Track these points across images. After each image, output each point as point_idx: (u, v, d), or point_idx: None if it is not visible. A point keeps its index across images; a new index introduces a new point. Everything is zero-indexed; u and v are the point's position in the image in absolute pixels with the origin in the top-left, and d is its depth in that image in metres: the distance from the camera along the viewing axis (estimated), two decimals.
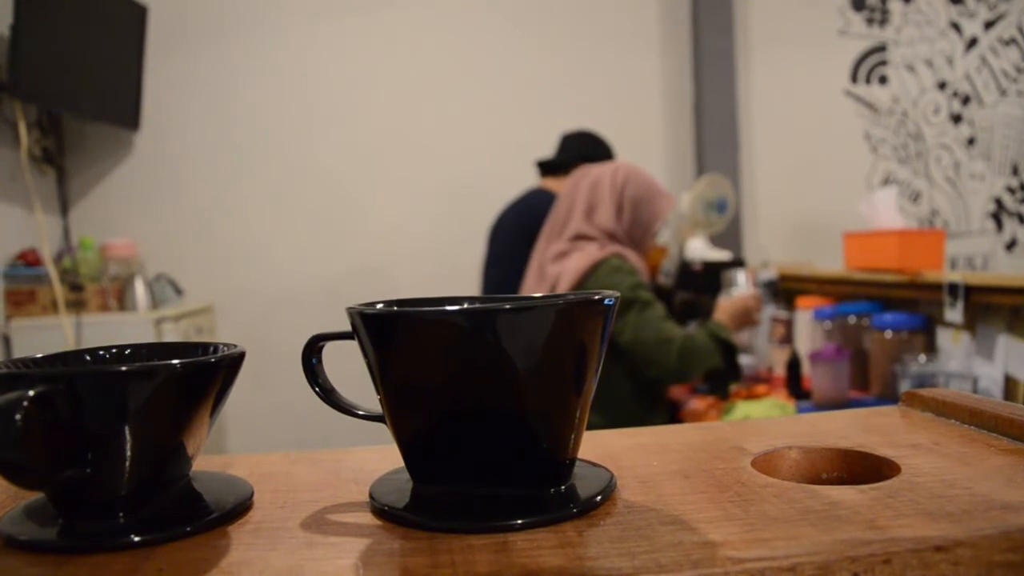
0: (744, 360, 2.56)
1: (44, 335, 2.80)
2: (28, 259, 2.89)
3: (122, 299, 2.98)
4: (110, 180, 3.29)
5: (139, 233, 3.23)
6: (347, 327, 0.44)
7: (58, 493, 0.41)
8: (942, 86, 3.56)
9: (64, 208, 3.22)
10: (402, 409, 0.43)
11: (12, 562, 0.38)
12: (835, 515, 0.40)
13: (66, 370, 0.40)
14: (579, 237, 2.08)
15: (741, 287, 2.41)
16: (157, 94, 3.26)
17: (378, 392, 0.43)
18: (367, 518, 0.42)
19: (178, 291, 3.10)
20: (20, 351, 2.80)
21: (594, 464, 0.48)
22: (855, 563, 0.36)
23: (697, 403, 2.29)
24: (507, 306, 0.39)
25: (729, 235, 3.42)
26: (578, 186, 2.14)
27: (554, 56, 3.51)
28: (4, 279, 2.85)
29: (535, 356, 0.40)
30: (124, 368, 0.38)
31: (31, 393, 0.35)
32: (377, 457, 0.54)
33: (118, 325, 2.86)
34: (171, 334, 2.83)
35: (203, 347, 0.47)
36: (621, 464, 0.49)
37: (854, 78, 3.61)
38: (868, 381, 2.28)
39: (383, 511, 0.41)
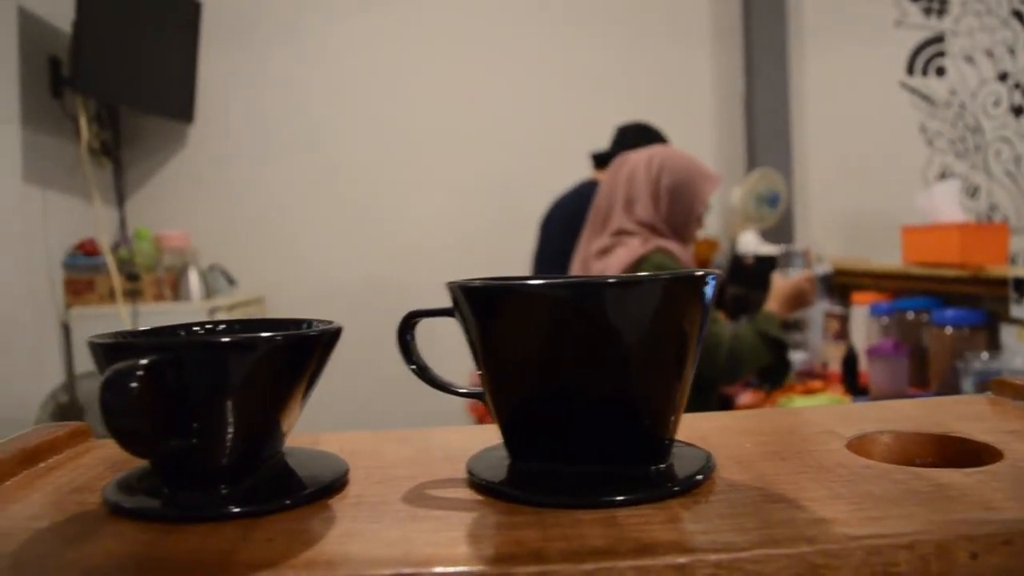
0: (798, 356, 2.53)
1: (102, 323, 2.85)
2: (87, 249, 2.95)
3: (176, 289, 3.02)
4: (165, 172, 3.35)
5: (192, 224, 3.28)
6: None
7: (163, 463, 0.41)
8: (1003, 77, 3.48)
9: (120, 199, 3.27)
10: (504, 385, 0.42)
11: (122, 528, 0.38)
12: (945, 496, 0.39)
13: (175, 340, 0.41)
14: (621, 232, 2.04)
15: (797, 269, 2.36)
16: (211, 88, 3.30)
17: (479, 368, 0.43)
18: (467, 493, 0.42)
19: (231, 281, 3.14)
20: (79, 339, 2.86)
21: (689, 444, 0.47)
22: (973, 542, 0.34)
23: (750, 398, 2.26)
24: (613, 280, 0.39)
25: (781, 229, 3.38)
26: (616, 178, 2.09)
27: (603, 49, 3.49)
28: (64, 268, 2.91)
29: (640, 332, 0.39)
30: (229, 339, 0.39)
31: (143, 362, 0.36)
32: (462, 436, 0.54)
33: (173, 314, 2.90)
34: None
35: (297, 323, 0.47)
36: (713, 445, 0.49)
37: (910, 70, 3.55)
38: (927, 377, 2.23)
39: (485, 486, 0.41)
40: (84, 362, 2.82)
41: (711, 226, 3.35)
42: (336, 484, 0.42)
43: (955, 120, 3.52)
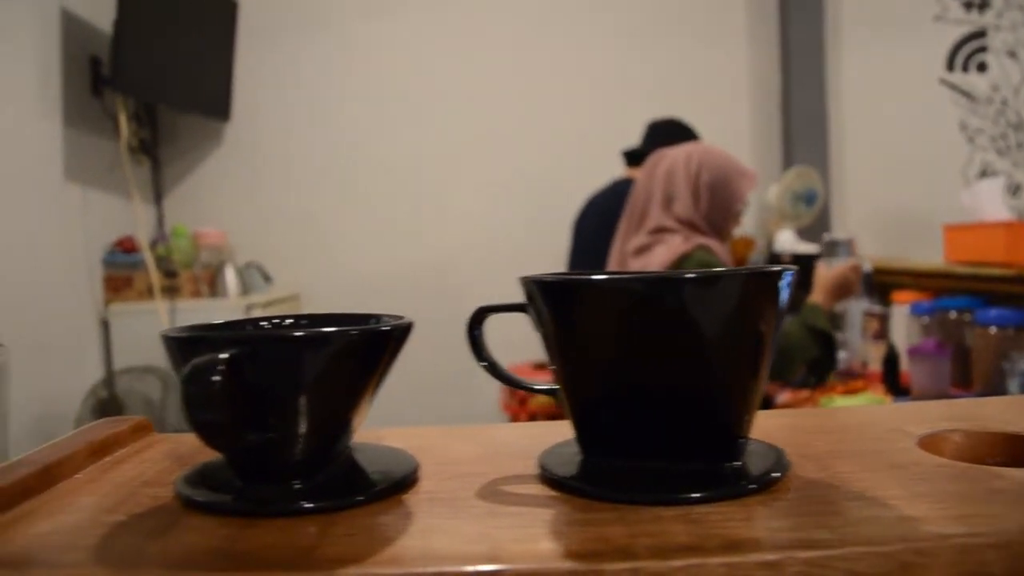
0: (838, 355, 2.50)
1: (140, 319, 2.88)
2: (125, 246, 2.99)
3: (213, 285, 3.05)
4: (202, 170, 3.38)
5: (228, 221, 3.30)
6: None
7: (238, 457, 0.41)
8: None
9: (158, 197, 3.31)
10: (580, 380, 0.42)
11: (198, 523, 0.38)
12: None
13: (254, 334, 0.41)
14: (660, 230, 2.03)
15: (842, 258, 2.34)
16: (247, 86, 3.33)
17: (553, 363, 0.43)
18: (541, 489, 0.41)
19: (267, 278, 3.16)
20: (118, 335, 2.90)
21: (761, 442, 0.47)
22: None
23: (789, 396, 2.24)
24: (694, 275, 0.38)
25: (817, 228, 3.34)
26: (653, 175, 2.08)
27: (637, 47, 3.48)
28: (103, 265, 2.95)
29: (719, 327, 0.39)
30: (307, 333, 0.39)
31: (224, 356, 0.36)
32: (526, 432, 0.54)
33: (210, 311, 2.93)
34: None
35: (364, 317, 0.47)
36: (782, 443, 0.48)
37: (950, 66, 3.50)
38: (970, 378, 2.20)
39: (560, 482, 0.41)
40: (123, 358, 2.86)
41: (747, 224, 3.32)
42: (408, 480, 0.42)
43: (996, 117, 3.47)
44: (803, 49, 3.45)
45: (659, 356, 0.40)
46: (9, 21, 2.48)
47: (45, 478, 0.46)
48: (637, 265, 2.01)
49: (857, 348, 2.61)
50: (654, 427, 0.41)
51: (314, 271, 3.39)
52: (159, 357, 2.82)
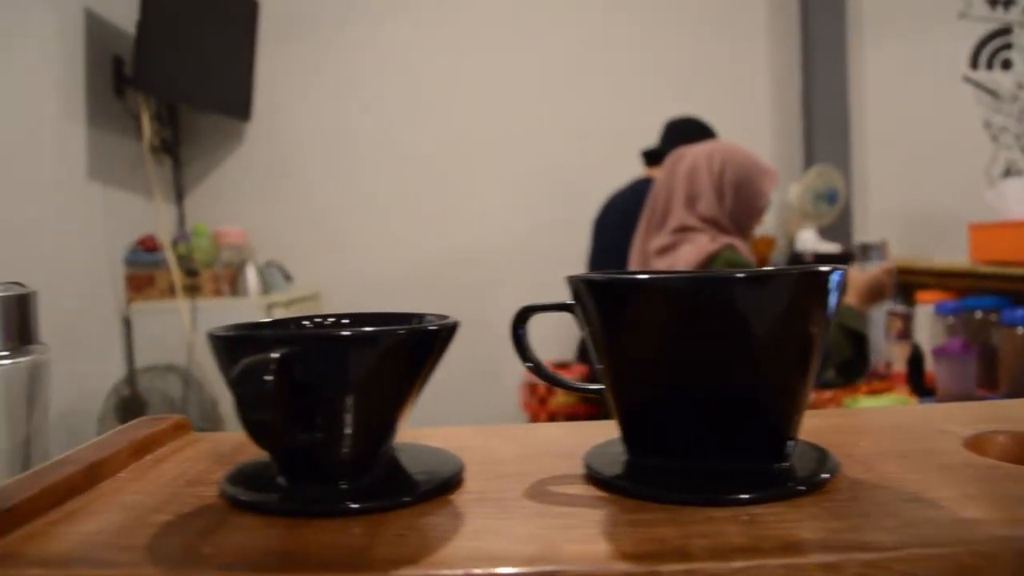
0: None
1: (162, 318, 2.90)
2: (147, 245, 3.00)
3: (234, 284, 3.06)
4: (222, 169, 3.39)
5: (249, 221, 3.32)
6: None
7: (285, 457, 0.41)
8: None
9: (179, 196, 3.33)
10: (628, 380, 0.42)
11: (246, 522, 0.38)
12: None
13: (304, 333, 0.41)
14: (684, 229, 2.02)
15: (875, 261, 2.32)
16: (267, 86, 3.34)
17: (600, 362, 0.42)
18: (588, 489, 0.41)
19: (288, 278, 3.17)
20: (140, 333, 2.92)
21: (806, 442, 0.47)
22: None
23: (812, 396, 2.23)
24: (744, 275, 0.38)
25: (839, 227, 3.33)
26: (674, 174, 2.06)
27: (658, 43, 3.47)
28: (125, 264, 2.97)
29: (769, 326, 0.39)
30: (357, 332, 0.39)
31: (275, 355, 0.36)
32: (566, 432, 0.54)
33: (231, 309, 2.94)
34: None
35: (407, 317, 0.47)
36: (825, 443, 0.48)
37: (974, 63, 3.47)
38: (996, 379, 2.18)
39: (608, 482, 0.41)
40: (144, 356, 2.88)
41: (768, 223, 3.30)
42: (454, 480, 0.42)
43: (1021, 115, 3.44)
44: (825, 46, 3.43)
45: (709, 356, 0.39)
46: (34, 22, 2.50)
47: (90, 476, 0.46)
48: (662, 264, 2.00)
49: (881, 348, 2.60)
50: (703, 427, 0.41)
51: (334, 270, 3.40)
52: (181, 355, 2.84)
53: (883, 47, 3.48)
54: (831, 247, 3.11)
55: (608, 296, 0.41)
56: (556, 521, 0.37)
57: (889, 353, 2.58)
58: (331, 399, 0.39)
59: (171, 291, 2.94)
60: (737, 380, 0.40)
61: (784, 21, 3.51)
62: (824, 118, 3.43)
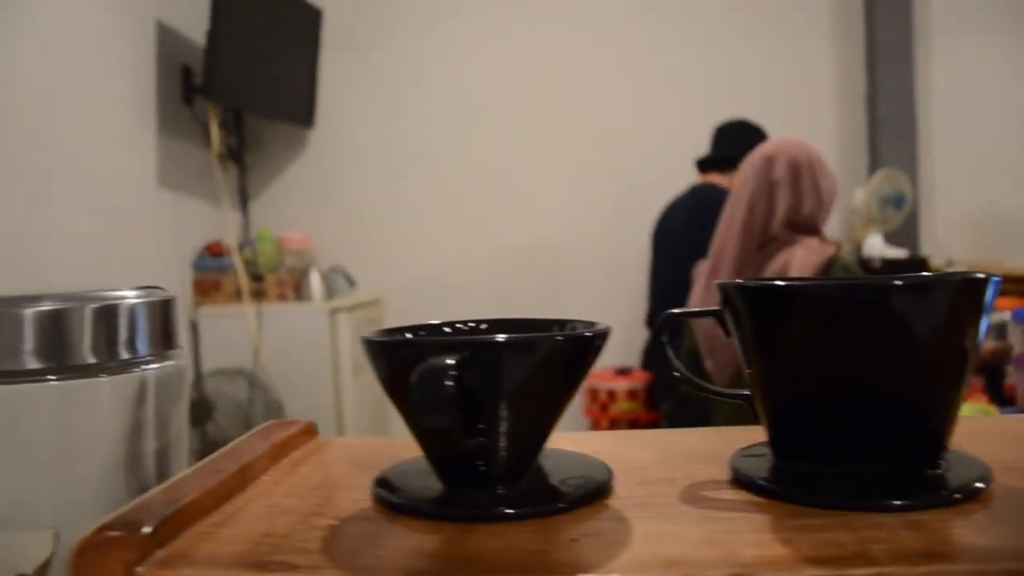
0: None
1: (228, 322, 2.96)
2: (213, 250, 3.06)
3: (298, 289, 3.11)
4: (286, 176, 3.45)
5: (312, 226, 3.37)
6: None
7: (449, 462, 0.42)
8: None
9: (244, 202, 3.39)
10: (780, 385, 0.42)
11: (413, 527, 0.39)
12: None
13: (470, 339, 0.42)
14: (790, 233, 1.98)
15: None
16: (330, 93, 3.39)
17: (749, 367, 0.43)
18: (742, 494, 0.41)
19: (351, 283, 3.21)
20: (206, 338, 2.97)
21: (955, 449, 0.46)
22: None
23: None
24: (903, 281, 0.38)
25: (905, 232, 3.28)
26: (769, 177, 2.00)
27: (715, 43, 3.45)
28: (193, 269, 3.03)
29: (928, 333, 0.39)
30: (515, 339, 0.39)
31: (451, 361, 0.37)
32: (696, 438, 0.54)
33: (296, 314, 2.99)
34: (345, 324, 2.93)
35: (549, 323, 0.47)
36: (969, 450, 0.47)
37: None
38: None
39: (765, 488, 0.41)
40: (211, 360, 2.93)
41: (831, 228, 3.27)
42: (607, 485, 0.43)
43: None
44: (890, 46, 3.38)
45: (866, 363, 0.40)
46: (108, 34, 2.57)
47: (241, 479, 0.47)
48: (773, 270, 1.96)
49: None
50: (857, 433, 0.41)
51: (394, 275, 3.43)
52: (247, 359, 2.89)
53: (951, 46, 3.42)
54: (898, 252, 3.07)
55: (763, 302, 0.41)
56: (723, 526, 0.37)
57: None
58: (494, 404, 0.39)
59: (237, 296, 3.00)
60: (896, 386, 0.40)
61: (848, 20, 3.47)
62: (890, 120, 3.38)
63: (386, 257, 3.44)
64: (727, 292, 0.42)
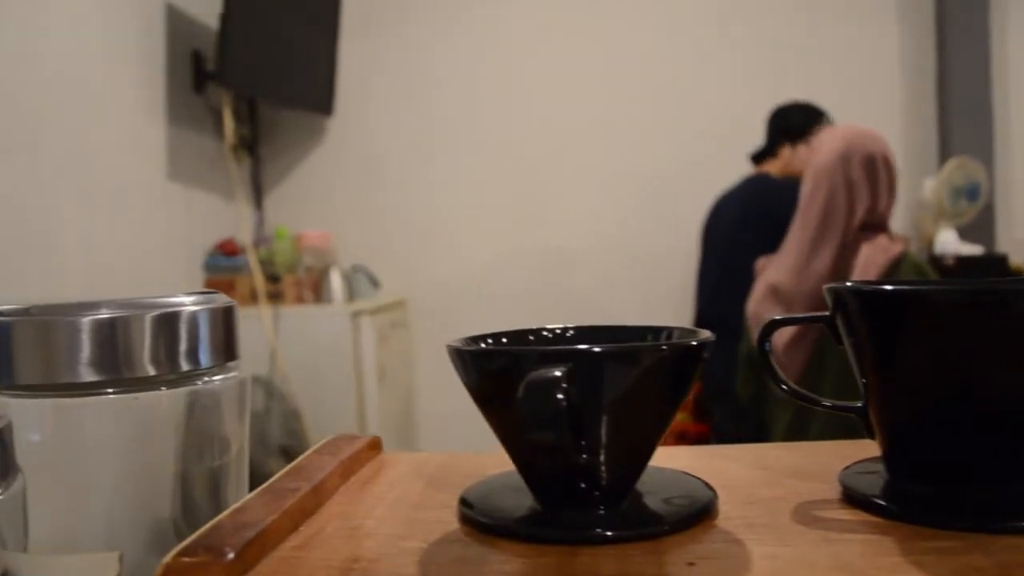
0: None
1: (242, 326, 2.93)
2: (226, 249, 3.09)
3: (318, 291, 3.13)
4: (303, 168, 3.47)
5: (332, 222, 3.38)
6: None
7: (548, 480, 0.43)
8: None
9: (258, 196, 3.41)
10: (900, 398, 0.43)
11: (520, 551, 0.39)
12: None
13: (572, 349, 0.42)
14: (863, 230, 1.99)
15: None
16: (350, 80, 3.41)
17: (864, 378, 0.43)
18: (857, 514, 0.41)
19: (375, 283, 3.22)
20: None
21: None
22: None
23: None
24: None
25: (980, 226, 3.25)
26: (840, 169, 2.01)
27: (778, 27, 3.44)
28: (205, 269, 3.06)
29: None
30: (618, 348, 0.40)
31: (558, 373, 0.37)
32: (786, 453, 0.55)
33: (315, 317, 3.00)
34: (368, 328, 2.95)
35: (643, 331, 0.48)
36: None
37: None
38: None
39: (884, 508, 0.41)
40: None
41: (898, 222, 3.25)
42: (712, 505, 0.43)
43: None
44: (963, 26, 3.36)
45: (1002, 374, 0.40)
46: (114, 17, 2.60)
47: (315, 499, 0.48)
48: (839, 269, 1.97)
49: None
50: (983, 450, 0.41)
51: (419, 276, 3.44)
52: (263, 365, 2.91)
53: None
54: (974, 249, 3.04)
55: (882, 308, 0.41)
56: (847, 548, 0.37)
57: None
58: (596, 418, 0.40)
59: (252, 298, 3.02)
60: None
61: (916, 1, 3.44)
62: (963, 105, 3.35)
63: (412, 255, 3.45)
64: (836, 295, 0.43)
